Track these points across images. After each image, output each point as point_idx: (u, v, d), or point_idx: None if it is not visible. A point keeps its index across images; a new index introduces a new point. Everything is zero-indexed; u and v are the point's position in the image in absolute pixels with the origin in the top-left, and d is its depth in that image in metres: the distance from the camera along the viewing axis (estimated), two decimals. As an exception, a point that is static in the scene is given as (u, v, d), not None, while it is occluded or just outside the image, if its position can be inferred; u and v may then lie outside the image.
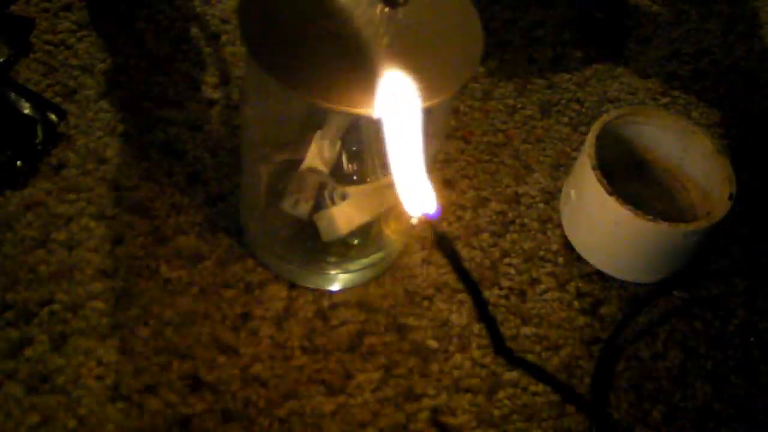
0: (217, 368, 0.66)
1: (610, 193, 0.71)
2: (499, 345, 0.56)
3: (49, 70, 0.79)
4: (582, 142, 0.76)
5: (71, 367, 0.65)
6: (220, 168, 0.76)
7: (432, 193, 0.51)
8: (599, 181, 0.71)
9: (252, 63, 0.63)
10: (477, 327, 0.71)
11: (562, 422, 0.68)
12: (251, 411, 0.65)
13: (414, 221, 0.50)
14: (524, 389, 0.69)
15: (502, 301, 0.73)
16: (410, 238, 0.74)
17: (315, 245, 0.69)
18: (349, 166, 0.68)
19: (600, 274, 0.76)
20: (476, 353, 0.70)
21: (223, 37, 0.84)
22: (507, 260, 0.75)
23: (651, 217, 0.70)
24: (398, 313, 0.71)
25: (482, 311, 0.56)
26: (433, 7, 0.60)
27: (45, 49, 0.80)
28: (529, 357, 0.71)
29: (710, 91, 0.91)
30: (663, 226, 0.70)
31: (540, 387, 0.70)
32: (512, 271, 0.75)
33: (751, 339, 0.75)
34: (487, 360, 0.70)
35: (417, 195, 0.51)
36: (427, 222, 0.50)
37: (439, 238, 0.50)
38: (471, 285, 0.54)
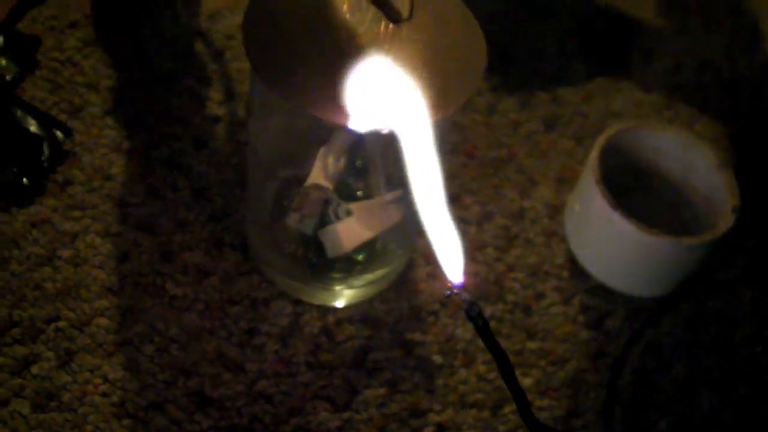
0: (223, 385, 0.67)
1: (615, 207, 0.71)
2: (529, 420, 0.56)
3: (55, 87, 0.79)
4: (586, 156, 0.76)
5: (77, 384, 0.65)
6: (226, 184, 0.76)
7: (460, 261, 0.50)
8: (604, 195, 0.72)
9: (257, 79, 0.63)
10: (482, 342, 0.71)
11: (568, 437, 0.69)
12: (257, 427, 0.65)
13: (446, 293, 0.50)
14: (530, 404, 0.69)
15: (507, 316, 0.73)
16: (415, 253, 0.74)
17: (320, 261, 0.69)
18: (354, 181, 0.68)
19: (604, 288, 0.76)
20: (481, 368, 0.70)
21: (228, 54, 0.84)
22: (512, 275, 0.76)
23: (655, 230, 0.70)
24: (403, 329, 0.71)
25: (512, 384, 0.56)
26: (436, 22, 0.60)
27: (51, 66, 0.81)
28: (534, 372, 0.71)
29: (714, 103, 0.91)
30: (667, 240, 0.70)
31: (545, 401, 0.70)
32: (517, 285, 0.75)
33: (758, 349, 0.75)
34: (492, 375, 0.70)
35: (445, 261, 0.51)
36: (455, 291, 0.50)
37: (468, 307, 0.50)
38: (501, 357, 0.53)
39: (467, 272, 0.49)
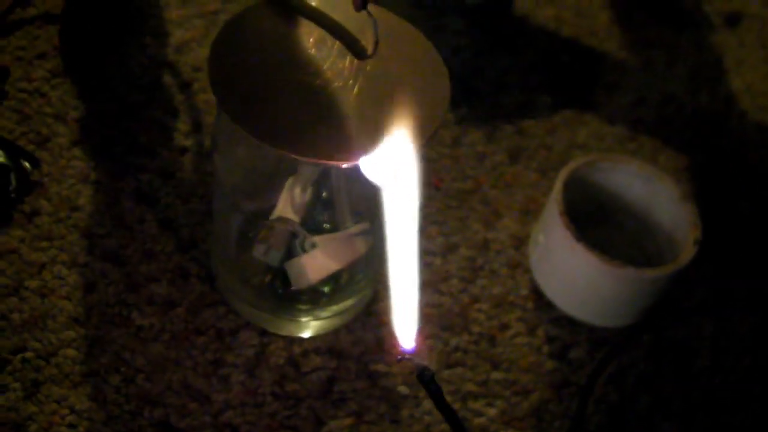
0: (189, 415, 0.67)
1: (578, 239, 0.72)
2: None
3: (23, 117, 0.80)
4: (550, 188, 0.77)
5: (44, 414, 0.65)
6: (192, 215, 0.76)
7: (414, 327, 0.51)
8: (567, 227, 0.72)
9: (222, 112, 0.64)
10: (446, 373, 0.72)
11: (532, 467, 0.69)
12: (223, 458, 0.65)
13: (398, 357, 0.51)
14: (494, 434, 0.70)
15: (472, 347, 0.74)
16: (380, 285, 0.75)
17: (286, 293, 0.70)
18: (321, 214, 0.68)
19: (569, 319, 0.76)
20: (447, 399, 0.70)
21: (195, 85, 0.85)
22: (477, 306, 0.76)
23: (618, 262, 0.71)
24: (369, 360, 0.71)
25: None
26: (400, 57, 0.61)
27: (19, 96, 0.81)
28: (499, 402, 0.71)
29: (676, 136, 0.92)
30: (630, 271, 0.71)
31: (510, 431, 0.70)
32: (482, 316, 0.76)
33: (716, 380, 0.76)
34: (457, 405, 0.70)
35: (399, 327, 0.51)
36: (408, 357, 0.51)
37: (419, 372, 0.50)
38: (455, 422, 0.54)
39: (422, 338, 0.50)
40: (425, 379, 0.50)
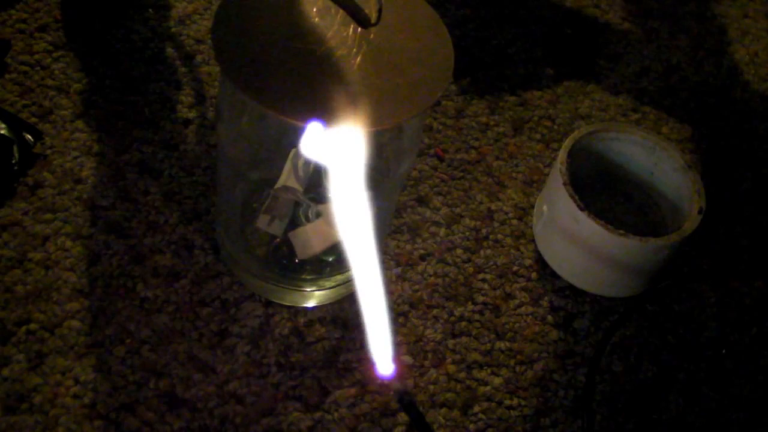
0: (194, 386, 0.67)
1: (582, 209, 0.72)
2: None
3: (25, 90, 0.79)
4: (554, 159, 0.77)
5: (48, 386, 0.65)
6: (196, 187, 0.76)
7: (389, 352, 0.51)
8: (571, 196, 0.72)
9: (226, 82, 0.63)
10: (451, 342, 0.72)
11: (537, 436, 0.69)
12: (228, 428, 0.65)
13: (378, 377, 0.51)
14: (499, 403, 0.70)
15: (477, 317, 0.74)
16: (385, 255, 0.75)
17: (290, 263, 0.70)
18: (324, 184, 0.68)
19: (573, 289, 0.76)
20: (451, 368, 0.71)
21: (198, 57, 0.84)
22: (481, 276, 0.76)
23: (622, 231, 0.71)
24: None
25: None
26: (404, 26, 0.60)
27: (21, 69, 0.81)
28: (503, 371, 0.71)
29: (680, 107, 0.92)
30: (634, 241, 0.71)
31: (515, 401, 0.70)
32: (486, 286, 0.76)
33: (723, 351, 0.75)
34: (462, 375, 0.70)
35: (376, 353, 0.51)
36: (387, 380, 0.51)
37: (399, 398, 0.51)
38: None
39: (401, 358, 0.49)
40: (404, 403, 0.50)
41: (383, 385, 0.68)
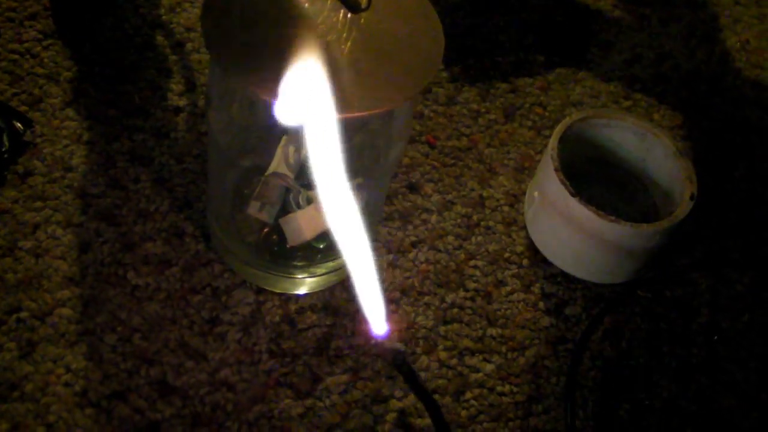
0: (185, 373, 0.67)
1: (573, 195, 0.72)
2: None
3: (15, 78, 0.79)
4: (545, 146, 0.77)
5: (39, 374, 0.65)
6: (186, 174, 0.76)
7: (382, 312, 0.51)
8: (562, 182, 0.72)
9: (216, 69, 0.63)
10: (443, 329, 0.72)
11: (529, 422, 0.69)
12: (220, 415, 0.65)
13: (372, 343, 0.51)
14: (491, 389, 0.70)
15: (468, 303, 0.74)
16: (376, 242, 0.75)
17: (281, 249, 0.69)
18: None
19: (564, 275, 0.76)
20: (443, 354, 0.71)
21: (188, 45, 0.84)
22: (472, 262, 0.76)
23: (614, 218, 0.71)
24: (365, 316, 0.71)
25: (440, 427, 0.57)
26: (395, 12, 0.60)
27: (10, 58, 0.80)
28: (495, 358, 0.71)
29: (672, 94, 0.92)
30: (626, 227, 0.71)
31: (507, 387, 0.70)
32: (478, 273, 0.76)
33: (715, 337, 0.76)
34: (454, 361, 0.70)
35: (368, 313, 0.51)
36: (380, 341, 0.51)
37: (393, 356, 0.51)
38: (431, 404, 0.54)
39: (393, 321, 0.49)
40: (398, 361, 0.50)
41: (375, 372, 0.69)
